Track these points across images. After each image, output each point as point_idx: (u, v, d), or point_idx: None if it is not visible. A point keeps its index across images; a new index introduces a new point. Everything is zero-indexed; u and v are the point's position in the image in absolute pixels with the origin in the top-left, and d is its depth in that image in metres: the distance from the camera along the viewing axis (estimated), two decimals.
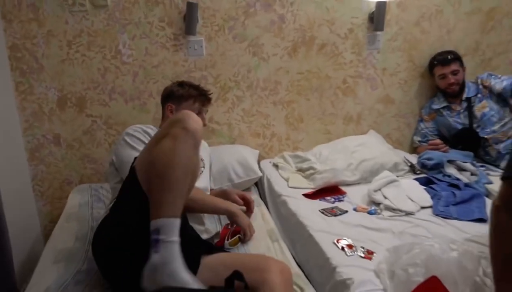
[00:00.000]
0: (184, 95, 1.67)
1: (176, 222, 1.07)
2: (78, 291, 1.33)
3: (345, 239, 1.57)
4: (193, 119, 1.17)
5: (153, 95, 2.26)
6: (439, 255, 1.29)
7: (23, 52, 2.10)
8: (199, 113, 1.66)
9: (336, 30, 2.38)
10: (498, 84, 2.28)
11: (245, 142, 2.44)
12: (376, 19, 2.35)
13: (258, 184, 2.28)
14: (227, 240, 1.59)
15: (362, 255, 1.48)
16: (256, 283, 1.15)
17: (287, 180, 2.16)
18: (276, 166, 2.33)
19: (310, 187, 2.08)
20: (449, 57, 2.40)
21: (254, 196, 2.07)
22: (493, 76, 2.33)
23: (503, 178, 1.06)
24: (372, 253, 1.48)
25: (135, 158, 1.28)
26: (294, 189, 2.07)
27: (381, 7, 2.33)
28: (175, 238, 1.04)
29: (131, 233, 1.18)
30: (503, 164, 2.23)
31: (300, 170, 2.25)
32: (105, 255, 1.27)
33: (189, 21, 2.15)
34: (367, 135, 2.51)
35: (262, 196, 2.19)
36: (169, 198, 1.09)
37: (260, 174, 2.20)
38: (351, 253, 1.50)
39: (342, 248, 1.52)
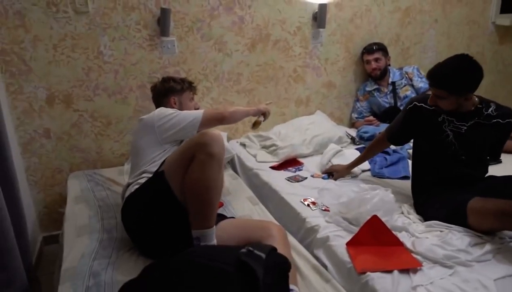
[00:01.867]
0: (184, 88, 1.96)
1: (213, 231, 1.40)
2: (107, 253, 1.64)
3: (309, 198, 2.02)
4: (216, 143, 1.39)
5: (133, 90, 2.53)
6: (370, 199, 1.76)
7: (12, 56, 2.26)
8: (192, 100, 1.99)
9: (287, 28, 2.78)
10: (418, 82, 2.85)
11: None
12: (319, 18, 2.78)
13: (230, 162, 2.65)
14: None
15: (323, 208, 1.93)
16: (261, 239, 1.47)
17: (255, 156, 2.56)
18: (243, 145, 2.73)
19: (274, 160, 2.50)
20: (374, 47, 2.91)
21: (229, 171, 2.45)
22: (417, 73, 2.88)
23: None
24: (328, 207, 1.93)
25: (163, 162, 1.55)
26: (262, 163, 2.48)
27: (322, 8, 2.76)
28: (213, 242, 1.39)
29: (157, 219, 1.51)
30: None
31: (264, 147, 2.66)
32: (136, 228, 1.59)
33: (163, 24, 2.43)
34: (315, 115, 2.97)
35: (235, 171, 2.58)
36: (205, 215, 1.40)
37: (234, 152, 2.58)
38: (314, 208, 1.94)
39: (308, 205, 1.97)
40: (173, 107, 1.88)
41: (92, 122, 2.50)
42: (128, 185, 1.71)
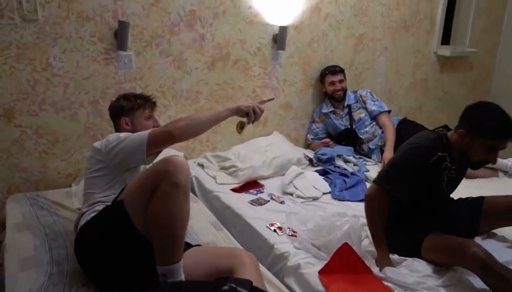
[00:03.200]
0: (134, 106, 1.74)
1: (180, 265, 1.29)
2: (58, 290, 1.47)
3: (275, 223, 1.97)
4: (181, 171, 1.27)
5: (84, 105, 2.35)
6: (340, 227, 1.76)
7: None
8: (150, 117, 1.78)
9: (247, 48, 2.76)
10: (371, 105, 2.94)
11: (170, 146, 2.67)
12: (279, 40, 2.79)
13: None
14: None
15: (290, 234, 1.89)
16: (232, 267, 1.38)
17: (214, 178, 2.47)
18: (201, 165, 2.63)
19: (235, 182, 2.43)
20: (337, 69, 2.99)
21: None
22: (370, 97, 2.98)
23: (374, 181, 1.73)
24: (296, 232, 1.90)
25: (122, 190, 1.42)
26: (222, 185, 2.40)
27: (282, 30, 2.77)
28: (181, 277, 1.28)
29: (117, 250, 1.38)
30: (373, 156, 2.89)
31: (223, 168, 2.59)
32: (92, 262, 1.43)
33: (120, 37, 2.29)
34: (272, 136, 2.96)
35: (194, 193, 2.47)
36: (171, 249, 1.27)
37: (193, 174, 2.47)
38: (281, 233, 1.90)
39: (275, 230, 1.92)
40: (125, 130, 1.72)
41: (37, 139, 2.28)
42: (83, 213, 1.55)
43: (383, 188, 1.71)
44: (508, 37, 4.02)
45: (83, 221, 1.53)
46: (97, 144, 1.62)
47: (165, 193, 1.27)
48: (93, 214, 1.51)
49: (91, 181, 1.62)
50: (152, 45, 2.45)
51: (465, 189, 2.40)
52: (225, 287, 1.04)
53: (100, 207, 1.51)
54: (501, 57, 4.10)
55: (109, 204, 1.49)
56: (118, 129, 1.79)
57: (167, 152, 2.48)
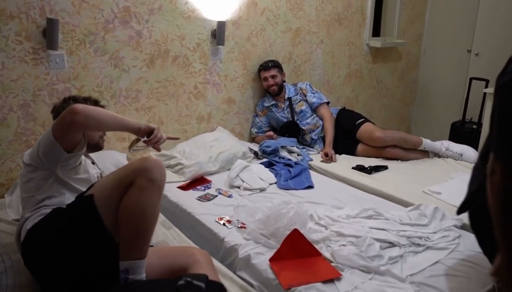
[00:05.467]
0: None
1: (143, 262, 1.29)
2: None
3: (224, 217, 1.99)
4: (158, 169, 1.31)
5: (14, 110, 2.20)
6: (286, 214, 1.81)
7: None
8: None
9: (186, 44, 2.73)
10: (311, 97, 3.04)
11: (112, 147, 2.58)
12: (218, 35, 2.79)
13: None
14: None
15: (239, 226, 1.91)
16: (186, 266, 1.41)
17: None
18: None
19: (181, 180, 2.41)
20: (270, 64, 3.04)
21: None
22: (310, 89, 3.07)
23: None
24: (244, 224, 1.93)
25: (91, 186, 1.38)
26: (169, 183, 2.36)
27: (221, 25, 2.77)
28: (142, 275, 1.27)
29: (76, 247, 1.33)
30: (316, 146, 2.99)
31: (169, 167, 2.55)
32: (45, 261, 1.36)
33: (50, 36, 2.16)
34: (217, 131, 2.96)
35: None
36: (139, 244, 1.29)
37: None
38: (231, 226, 1.92)
39: (224, 224, 1.93)
40: None
41: None
42: (26, 218, 1.47)
43: None
44: (431, 28, 4.33)
45: (29, 225, 1.44)
46: (27, 152, 1.55)
47: (140, 187, 1.30)
48: (40, 217, 1.44)
49: (27, 185, 1.54)
50: (85, 43, 2.34)
51: (402, 170, 2.59)
52: (181, 282, 1.04)
53: (46, 210, 1.44)
54: (426, 46, 4.40)
55: (55, 207, 1.44)
56: None
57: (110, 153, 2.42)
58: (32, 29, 2.17)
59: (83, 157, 1.62)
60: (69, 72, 2.33)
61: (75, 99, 1.71)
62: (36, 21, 2.17)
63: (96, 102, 1.77)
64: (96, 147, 1.77)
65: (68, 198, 1.49)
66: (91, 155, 1.83)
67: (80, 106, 1.38)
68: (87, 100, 1.73)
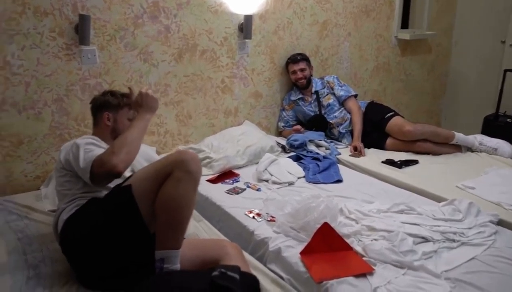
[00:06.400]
0: (120, 104, 1.72)
1: (178, 253, 1.32)
2: None
3: (253, 210, 1.99)
4: (195, 162, 1.36)
5: (48, 104, 2.26)
6: (316, 208, 1.79)
7: None
8: (131, 119, 1.73)
9: (214, 38, 2.73)
10: (338, 91, 3.00)
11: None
12: (245, 29, 2.78)
13: None
14: None
15: (268, 219, 1.91)
16: (218, 258, 1.44)
17: None
18: None
19: (210, 173, 2.43)
20: (298, 57, 3.02)
21: None
22: (337, 82, 3.03)
23: None
24: (274, 217, 1.92)
25: (129, 177, 1.42)
26: None
27: (248, 19, 2.77)
28: (177, 265, 1.30)
29: (114, 236, 1.36)
30: (344, 140, 2.95)
31: None
32: (82, 248, 1.40)
33: (82, 32, 2.21)
34: (244, 125, 2.96)
35: None
36: (175, 234, 1.33)
37: None
38: (260, 219, 1.92)
39: (253, 217, 1.94)
40: (105, 125, 1.71)
41: None
42: (63, 209, 1.51)
43: None
44: (462, 19, 4.20)
45: (66, 215, 1.49)
46: (62, 155, 1.57)
47: (177, 178, 1.33)
48: (76, 208, 1.48)
49: (62, 179, 1.58)
50: (116, 39, 2.38)
51: (433, 165, 2.53)
52: (215, 273, 1.05)
53: (82, 201, 1.49)
54: (457, 38, 4.27)
55: (90, 198, 1.49)
56: (97, 122, 1.75)
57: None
58: (65, 25, 2.22)
59: None
60: (100, 67, 2.37)
61: (113, 94, 1.75)
62: (69, 18, 2.22)
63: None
64: None
65: (103, 192, 1.53)
66: None
67: (113, 161, 1.37)
68: (124, 96, 1.76)
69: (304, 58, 3.03)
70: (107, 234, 1.37)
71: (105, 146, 1.61)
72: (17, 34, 2.11)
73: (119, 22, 2.37)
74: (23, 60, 2.15)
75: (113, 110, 1.72)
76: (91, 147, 1.51)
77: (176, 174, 1.34)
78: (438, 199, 2.09)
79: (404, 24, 3.84)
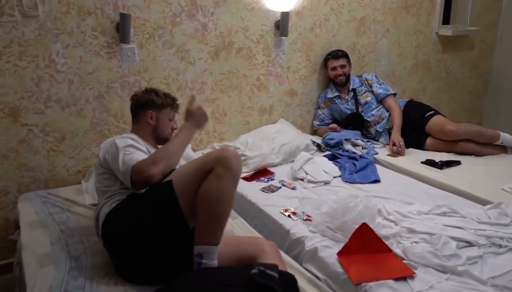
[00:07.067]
0: (164, 104, 1.75)
1: (217, 249, 1.34)
2: (79, 284, 1.46)
3: (289, 208, 1.97)
4: (236, 160, 1.38)
5: (90, 101, 2.33)
6: (354, 208, 1.75)
7: None
8: (172, 119, 1.80)
9: (250, 36, 2.73)
10: (377, 88, 2.93)
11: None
12: (281, 27, 2.76)
13: None
14: None
15: (304, 218, 1.89)
16: (254, 255, 1.44)
17: None
18: None
19: (245, 171, 2.42)
20: (339, 53, 2.97)
21: None
22: (376, 80, 2.96)
23: None
24: (310, 216, 1.90)
25: (171, 172, 1.45)
26: None
27: (284, 16, 2.75)
28: (215, 262, 1.31)
29: (156, 232, 1.38)
30: (381, 139, 2.88)
31: None
32: (123, 242, 1.43)
33: (123, 31, 2.26)
34: (279, 123, 2.95)
35: None
36: (214, 229, 1.35)
37: None
38: (296, 218, 1.90)
39: (289, 216, 1.92)
40: (148, 123, 1.73)
41: (44, 138, 2.26)
42: (103, 204, 1.55)
43: None
44: (509, 14, 3.99)
45: (107, 209, 1.52)
46: (101, 153, 1.61)
47: (219, 175, 1.35)
48: (117, 202, 1.51)
49: (101, 176, 1.62)
50: (154, 37, 2.42)
51: (476, 166, 2.43)
52: (254, 271, 1.04)
53: (122, 196, 1.52)
54: (502, 34, 4.07)
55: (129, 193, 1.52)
56: (138, 120, 1.76)
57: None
58: (107, 24, 2.28)
59: (149, 151, 1.66)
60: (139, 65, 2.42)
61: (156, 93, 1.77)
62: (110, 16, 2.27)
63: (174, 100, 1.81)
64: (166, 140, 1.81)
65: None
66: None
67: (153, 170, 1.43)
68: (167, 96, 1.79)
69: (345, 54, 2.99)
70: (147, 229, 1.39)
71: (143, 146, 1.64)
72: (61, 33, 2.18)
73: (157, 20, 2.41)
74: (66, 58, 2.22)
75: (156, 109, 1.74)
76: (131, 149, 1.54)
77: (218, 170, 1.35)
78: (482, 202, 2.00)
79: (446, 20, 3.69)
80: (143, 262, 1.44)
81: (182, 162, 2.01)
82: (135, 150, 1.54)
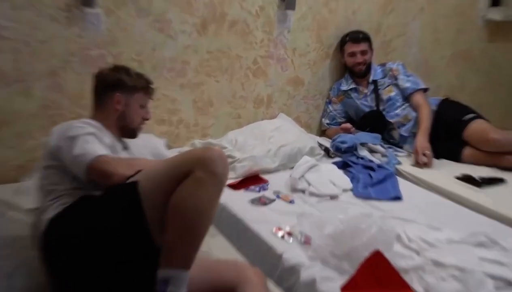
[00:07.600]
0: (137, 86, 1.76)
1: (187, 275, 1.28)
2: None
3: (282, 227, 1.92)
4: (222, 162, 1.33)
5: (40, 78, 2.28)
6: (366, 230, 1.72)
7: None
8: (144, 106, 1.79)
9: (247, 6, 2.70)
10: (404, 81, 2.90)
11: (148, 131, 2.61)
12: None
13: None
14: None
15: (302, 240, 1.84)
16: (234, 283, 1.42)
17: None
18: None
19: (231, 177, 2.38)
20: (360, 36, 2.97)
21: None
22: (403, 71, 2.93)
23: None
24: (310, 238, 1.85)
25: (137, 172, 1.42)
26: None
27: None
28: (183, 290, 1.26)
29: (109, 240, 1.34)
30: (406, 146, 2.85)
31: None
32: (69, 256, 1.38)
33: None
34: (279, 119, 2.92)
35: None
36: (187, 249, 1.29)
37: None
38: (291, 240, 1.86)
39: (283, 237, 1.87)
40: (115, 108, 1.72)
41: None
42: (47, 207, 1.51)
43: None
44: None
45: (50, 214, 1.49)
46: (53, 138, 1.59)
47: (199, 179, 1.29)
48: (64, 206, 1.48)
49: (49, 171, 1.59)
50: (127, 2, 2.38)
51: None
52: None
53: (71, 199, 1.48)
54: None
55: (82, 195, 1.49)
56: (102, 104, 1.75)
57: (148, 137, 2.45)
58: None
59: (113, 143, 1.67)
60: (106, 35, 2.38)
61: (128, 72, 1.76)
62: None
63: (148, 83, 1.81)
64: (132, 133, 1.81)
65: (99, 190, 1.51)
66: None
67: (123, 170, 1.45)
68: (140, 77, 1.78)
69: (367, 37, 2.99)
70: (100, 243, 1.34)
71: (108, 137, 1.63)
72: None
73: None
74: (13, 23, 2.17)
75: (126, 92, 1.74)
76: (92, 138, 1.53)
77: (198, 174, 1.29)
78: None
79: (496, 1, 3.68)
80: (92, 286, 1.38)
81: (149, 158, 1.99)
82: (96, 141, 1.53)
